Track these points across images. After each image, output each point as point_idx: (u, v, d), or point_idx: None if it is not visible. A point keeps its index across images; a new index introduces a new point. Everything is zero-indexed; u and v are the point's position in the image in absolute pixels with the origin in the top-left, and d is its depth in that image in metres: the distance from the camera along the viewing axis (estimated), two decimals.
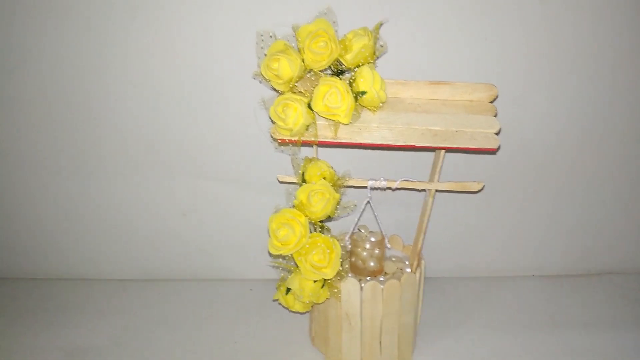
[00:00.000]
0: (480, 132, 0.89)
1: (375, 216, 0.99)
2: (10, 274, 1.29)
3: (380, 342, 0.97)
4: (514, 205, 1.24)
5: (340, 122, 0.87)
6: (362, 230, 1.00)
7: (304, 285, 0.89)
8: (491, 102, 0.93)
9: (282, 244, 0.87)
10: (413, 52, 1.07)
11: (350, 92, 0.85)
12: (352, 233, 1.00)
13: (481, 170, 1.17)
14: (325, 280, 0.90)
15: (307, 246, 0.88)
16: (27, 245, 1.26)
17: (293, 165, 0.93)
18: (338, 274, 0.90)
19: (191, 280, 1.28)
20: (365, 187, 0.95)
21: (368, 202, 0.97)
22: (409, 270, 0.99)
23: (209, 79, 1.09)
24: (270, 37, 0.87)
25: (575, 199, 1.25)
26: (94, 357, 1.01)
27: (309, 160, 0.92)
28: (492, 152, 0.89)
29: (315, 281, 0.89)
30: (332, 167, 0.92)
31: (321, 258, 0.87)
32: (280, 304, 0.96)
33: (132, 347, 1.04)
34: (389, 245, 1.03)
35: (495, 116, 0.91)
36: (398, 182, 0.95)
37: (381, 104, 0.89)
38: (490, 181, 1.18)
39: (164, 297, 1.21)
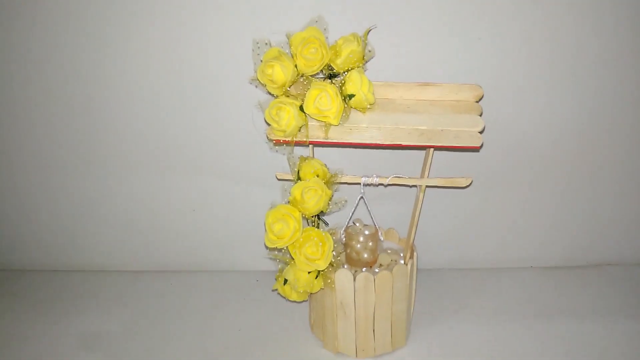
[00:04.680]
0: (464, 131, 0.94)
1: (368, 211, 1.05)
2: (30, 266, 1.37)
3: (373, 330, 1.02)
4: (511, 198, 1.27)
5: (330, 124, 0.93)
6: (357, 224, 1.05)
7: (299, 276, 0.95)
8: (477, 101, 0.98)
9: (277, 238, 0.93)
10: (409, 54, 1.11)
11: (340, 95, 0.91)
12: (347, 227, 1.06)
13: (477, 164, 1.21)
14: (319, 271, 0.96)
15: (301, 239, 0.94)
16: (46, 240, 1.34)
17: (289, 164, 0.99)
18: (331, 265, 0.96)
19: (200, 272, 1.34)
20: (359, 184, 1.01)
21: (361, 197, 1.03)
22: (402, 262, 1.05)
23: (212, 84, 1.14)
24: (266, 44, 0.93)
25: (573, 192, 1.27)
26: (106, 343, 1.09)
27: (303, 159, 0.98)
28: (475, 149, 0.94)
29: (309, 272, 0.95)
30: (325, 165, 0.98)
31: (314, 250, 0.93)
32: (279, 293, 1.03)
33: (143, 334, 1.12)
34: (382, 238, 1.08)
35: (480, 115, 0.96)
36: (389, 178, 1.00)
37: (369, 106, 0.94)
38: (486, 174, 1.22)
39: (174, 288, 1.28)
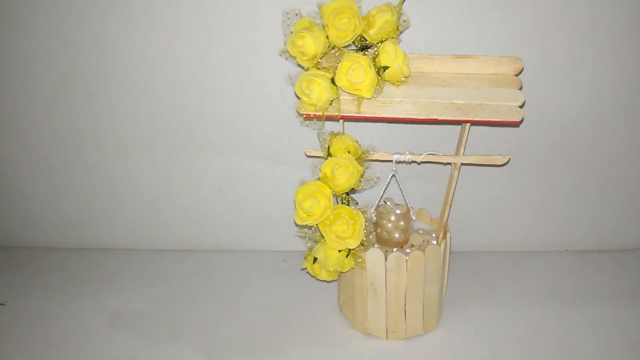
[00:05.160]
0: (503, 105, 0.90)
1: (400, 189, 1.01)
2: (59, 244, 1.38)
3: (405, 311, 1.00)
4: (547, 180, 1.23)
5: (363, 97, 0.89)
6: (388, 203, 1.02)
7: (329, 255, 0.93)
8: (516, 75, 0.93)
9: (307, 215, 0.91)
10: (442, 26, 1.07)
11: (373, 67, 0.87)
12: (378, 205, 1.03)
13: (512, 143, 1.17)
14: (349, 250, 0.94)
15: (332, 217, 0.91)
16: (74, 218, 1.35)
17: (319, 140, 0.96)
18: (362, 244, 0.93)
19: (227, 251, 1.33)
20: (391, 161, 0.97)
21: (393, 175, 0.99)
22: (435, 243, 1.01)
23: (240, 57, 1.12)
24: (296, 14, 0.90)
25: (610, 174, 1.23)
26: (135, 321, 1.09)
27: (334, 134, 0.95)
28: (515, 124, 0.90)
29: (339, 251, 0.93)
30: (356, 141, 0.95)
31: (345, 229, 0.90)
32: (308, 272, 1.00)
33: (171, 312, 1.11)
34: (414, 218, 1.05)
35: (520, 89, 0.91)
36: (423, 155, 0.97)
37: (404, 79, 0.90)
38: (521, 154, 1.18)
39: (201, 267, 1.28)
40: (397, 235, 1.00)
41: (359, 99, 0.90)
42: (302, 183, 0.93)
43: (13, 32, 1.14)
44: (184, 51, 1.13)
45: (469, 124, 0.93)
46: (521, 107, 0.90)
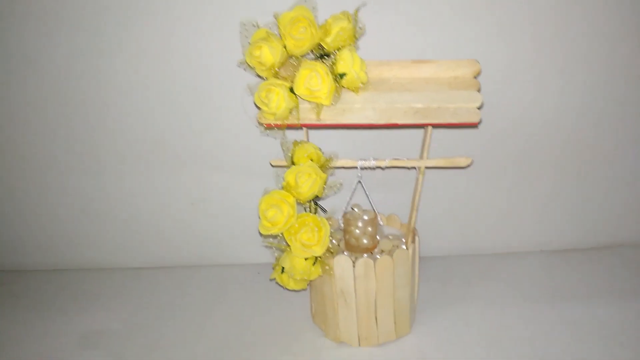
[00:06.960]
0: (462, 107, 0.91)
1: (367, 195, 1.02)
2: (30, 266, 1.36)
3: (376, 317, 0.99)
4: (519, 181, 1.24)
5: (322, 104, 0.90)
6: (355, 209, 1.02)
7: (296, 263, 0.92)
8: (475, 77, 0.94)
9: (271, 224, 0.91)
10: (402, 33, 1.08)
11: (330, 75, 0.88)
12: (345, 212, 1.03)
13: (482, 145, 1.18)
14: (316, 257, 0.93)
15: (296, 225, 0.91)
16: (45, 239, 1.33)
17: (282, 149, 0.96)
18: (329, 250, 0.93)
19: (201, 266, 1.32)
20: (356, 167, 0.98)
21: (359, 181, 1.00)
22: (404, 247, 1.01)
23: (203, 73, 1.13)
24: (253, 26, 0.90)
25: (583, 172, 1.24)
26: (108, 341, 1.07)
27: (296, 143, 0.95)
28: (474, 126, 0.91)
29: (306, 259, 0.92)
30: (319, 149, 0.95)
31: (310, 236, 0.90)
32: (277, 283, 1.00)
33: (145, 330, 1.09)
34: (382, 223, 1.05)
35: (479, 91, 0.92)
36: (387, 160, 0.97)
37: (362, 85, 0.91)
38: (490, 156, 1.20)
39: (175, 283, 1.26)
40: (365, 241, 1.00)
41: (319, 107, 0.91)
42: (266, 192, 0.93)
43: None
44: (149, 69, 1.13)
45: (430, 128, 0.94)
46: (479, 108, 0.90)
